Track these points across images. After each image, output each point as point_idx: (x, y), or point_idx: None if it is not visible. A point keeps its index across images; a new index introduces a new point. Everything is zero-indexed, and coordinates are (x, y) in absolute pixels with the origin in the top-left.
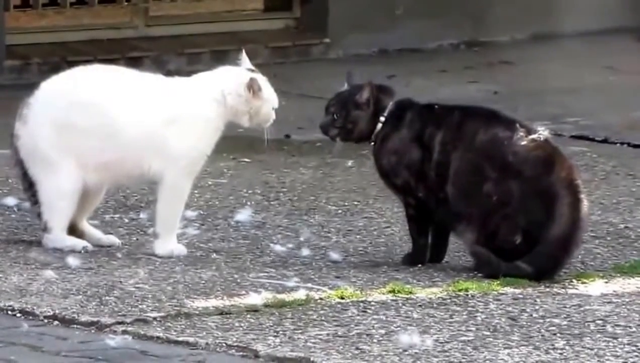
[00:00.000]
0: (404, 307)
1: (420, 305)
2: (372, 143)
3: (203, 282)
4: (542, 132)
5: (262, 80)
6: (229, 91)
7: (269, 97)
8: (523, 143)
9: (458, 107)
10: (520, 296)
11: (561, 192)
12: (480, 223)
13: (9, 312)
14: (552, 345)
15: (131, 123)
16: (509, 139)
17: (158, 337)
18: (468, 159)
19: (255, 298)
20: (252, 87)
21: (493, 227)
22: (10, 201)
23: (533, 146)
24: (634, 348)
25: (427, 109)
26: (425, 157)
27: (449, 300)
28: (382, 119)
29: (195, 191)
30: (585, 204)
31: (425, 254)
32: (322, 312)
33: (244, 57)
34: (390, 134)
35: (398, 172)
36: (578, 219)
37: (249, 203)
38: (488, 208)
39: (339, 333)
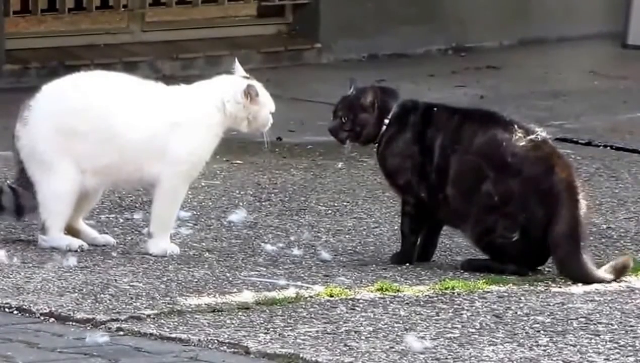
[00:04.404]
0: (391, 304)
1: (407, 303)
2: (376, 144)
3: (196, 280)
4: (540, 133)
5: (259, 86)
6: (227, 99)
7: (266, 102)
8: (522, 143)
9: (458, 110)
10: (505, 294)
11: (563, 194)
12: (479, 219)
13: (7, 310)
14: (536, 341)
15: (132, 128)
16: (508, 140)
17: (151, 334)
18: (468, 160)
19: (246, 296)
20: (250, 93)
21: (492, 223)
22: None
23: (532, 146)
24: (615, 345)
25: (429, 111)
26: (426, 159)
27: (435, 298)
28: (387, 121)
29: (189, 192)
30: (584, 204)
31: (413, 253)
32: (311, 309)
33: (237, 65)
34: (393, 136)
35: (401, 173)
36: (579, 216)
37: (241, 204)
38: (488, 207)
39: (328, 330)
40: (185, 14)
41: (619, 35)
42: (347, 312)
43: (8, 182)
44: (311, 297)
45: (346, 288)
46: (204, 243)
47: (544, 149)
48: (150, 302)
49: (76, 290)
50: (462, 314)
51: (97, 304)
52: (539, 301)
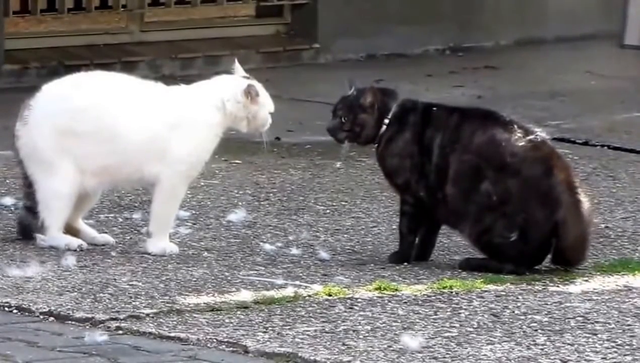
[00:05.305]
0: (389, 303)
1: (405, 302)
2: (376, 144)
3: (194, 279)
4: (540, 133)
5: (259, 86)
6: (227, 98)
7: (266, 102)
8: (521, 144)
9: (457, 109)
10: (503, 293)
11: (563, 195)
12: (478, 219)
13: (6, 309)
14: (534, 341)
15: (132, 129)
16: (507, 140)
17: (150, 333)
18: (467, 160)
19: (245, 295)
20: (250, 93)
21: (490, 222)
22: (8, 201)
23: (531, 147)
24: (613, 344)
25: (428, 111)
26: (425, 159)
27: (433, 297)
28: (387, 121)
29: (188, 192)
30: (586, 203)
31: (411, 252)
32: (310, 308)
33: (237, 65)
34: (393, 136)
35: (400, 173)
36: (583, 216)
37: (240, 203)
38: (487, 207)
39: (327, 329)
40: (184, 14)
41: (617, 35)
42: (345, 311)
43: (22, 203)
44: (310, 296)
45: (344, 287)
46: (202, 243)
47: (543, 149)
48: (150, 301)
49: (75, 290)
50: (460, 313)
51: (97, 303)
52: (536, 300)
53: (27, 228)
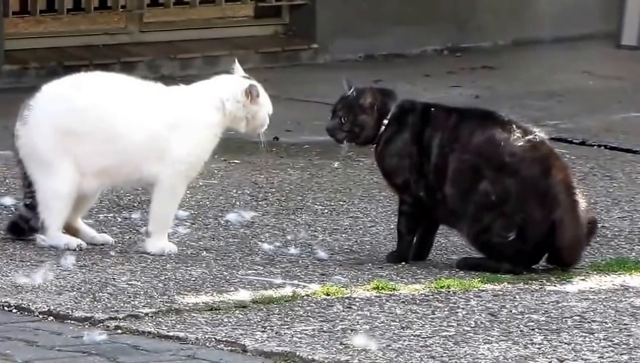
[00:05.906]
0: (387, 303)
1: (403, 302)
2: (375, 144)
3: (193, 279)
4: (538, 133)
5: (259, 86)
6: (227, 98)
7: (265, 103)
8: (519, 144)
9: (455, 109)
10: (500, 292)
11: (560, 195)
12: (476, 218)
13: (6, 308)
14: (531, 340)
15: (132, 129)
16: (506, 139)
17: (149, 332)
18: (466, 160)
19: (243, 295)
20: (251, 93)
21: (488, 222)
22: (8, 201)
23: (529, 147)
24: (609, 343)
25: (427, 111)
26: (424, 159)
27: (431, 297)
28: (386, 121)
29: (187, 191)
30: (582, 204)
31: (409, 252)
32: (308, 308)
33: (237, 65)
34: (392, 136)
35: (399, 173)
36: (580, 217)
37: (238, 203)
38: (485, 206)
39: (324, 328)
40: (183, 15)
41: (613, 35)
42: (343, 311)
43: (22, 202)
44: (308, 295)
45: (342, 287)
46: (201, 242)
47: (542, 149)
48: (148, 300)
49: (74, 289)
50: (457, 312)
51: (96, 303)
52: (533, 299)
53: (22, 225)
